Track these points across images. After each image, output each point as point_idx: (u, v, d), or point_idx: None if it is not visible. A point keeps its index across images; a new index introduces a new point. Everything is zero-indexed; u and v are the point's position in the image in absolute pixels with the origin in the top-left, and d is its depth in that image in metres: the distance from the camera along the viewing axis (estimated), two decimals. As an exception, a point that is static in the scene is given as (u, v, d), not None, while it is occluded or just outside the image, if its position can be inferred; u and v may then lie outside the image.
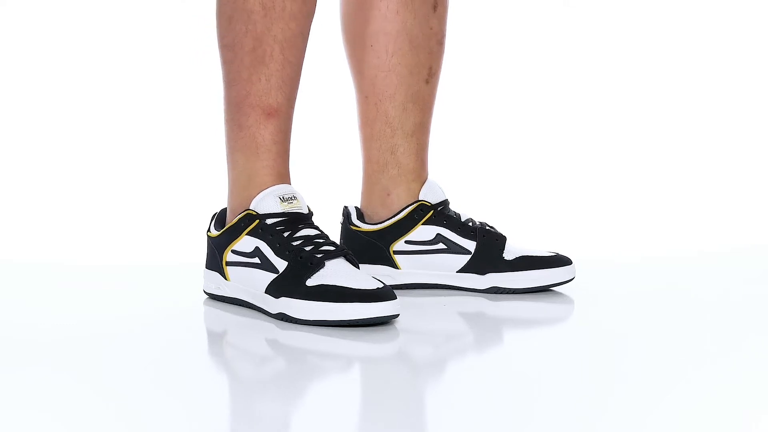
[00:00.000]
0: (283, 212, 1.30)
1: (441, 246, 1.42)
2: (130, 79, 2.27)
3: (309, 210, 1.33)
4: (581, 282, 1.48)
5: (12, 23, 2.26)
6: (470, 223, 1.43)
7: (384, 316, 1.21)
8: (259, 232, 1.30)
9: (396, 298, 1.22)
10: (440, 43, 1.47)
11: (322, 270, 1.24)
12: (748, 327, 1.27)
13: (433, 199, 1.44)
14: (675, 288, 1.54)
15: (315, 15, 1.39)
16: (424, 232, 1.41)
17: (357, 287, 1.21)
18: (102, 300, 1.44)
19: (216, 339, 1.26)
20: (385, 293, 1.21)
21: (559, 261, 1.42)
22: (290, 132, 1.39)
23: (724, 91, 2.36)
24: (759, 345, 1.19)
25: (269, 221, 1.30)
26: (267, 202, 1.31)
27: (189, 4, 2.24)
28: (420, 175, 1.46)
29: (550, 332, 1.24)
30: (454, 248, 1.41)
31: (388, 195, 1.46)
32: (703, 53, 2.36)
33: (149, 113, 2.26)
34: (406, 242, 1.43)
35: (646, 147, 2.32)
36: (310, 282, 1.23)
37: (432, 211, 1.41)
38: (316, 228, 1.31)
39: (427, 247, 1.42)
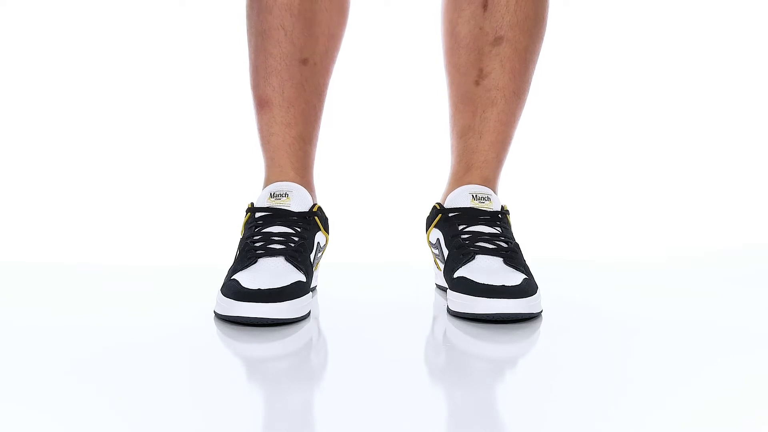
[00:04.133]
0: (268, 207, 1.37)
1: (437, 251, 1.42)
2: (133, 78, 2.26)
3: (310, 209, 1.37)
4: (579, 284, 1.48)
5: (12, 23, 2.26)
6: (465, 236, 1.34)
7: (252, 317, 1.22)
8: (248, 224, 1.37)
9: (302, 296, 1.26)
10: (495, 44, 1.39)
11: (253, 265, 1.28)
12: (746, 328, 1.27)
13: (450, 205, 1.39)
14: (676, 288, 1.54)
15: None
16: (433, 234, 1.41)
17: (251, 287, 1.23)
18: (104, 300, 1.44)
19: (216, 337, 1.26)
20: (264, 295, 1.22)
21: (499, 291, 1.24)
22: (297, 126, 1.42)
23: (723, 93, 2.36)
24: (758, 346, 1.19)
25: (257, 214, 1.37)
26: (261, 196, 1.39)
27: (191, 4, 2.24)
28: (461, 179, 1.42)
29: (547, 333, 1.24)
30: (440, 257, 1.40)
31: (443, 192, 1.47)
32: (702, 53, 2.36)
33: (153, 113, 2.26)
34: (428, 242, 1.43)
35: (644, 148, 2.32)
36: (233, 276, 1.27)
37: (440, 216, 1.40)
38: (288, 226, 1.34)
39: (435, 250, 1.42)
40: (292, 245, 1.31)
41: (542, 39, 1.42)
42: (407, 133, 2.19)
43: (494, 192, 1.42)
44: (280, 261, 1.29)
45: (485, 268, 1.28)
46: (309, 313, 1.29)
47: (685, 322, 1.30)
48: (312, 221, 1.37)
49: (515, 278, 1.26)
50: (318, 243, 1.38)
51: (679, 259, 1.79)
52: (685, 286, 1.56)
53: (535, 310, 1.25)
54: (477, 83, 1.40)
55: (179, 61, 2.27)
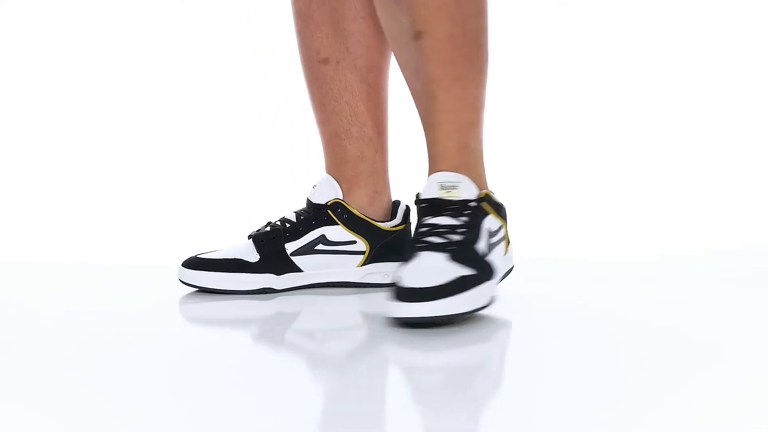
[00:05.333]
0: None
1: None
2: (131, 79, 2.27)
3: (326, 202, 1.47)
4: (575, 282, 1.48)
5: (12, 23, 2.26)
6: (420, 230, 1.32)
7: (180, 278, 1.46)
8: None
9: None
10: (417, 38, 1.32)
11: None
12: (746, 328, 1.28)
13: (422, 196, 1.34)
14: (670, 288, 1.54)
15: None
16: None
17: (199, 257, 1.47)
18: (103, 300, 1.45)
19: (215, 336, 1.27)
20: (192, 263, 1.46)
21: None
22: (331, 123, 1.50)
23: (723, 92, 2.36)
24: (758, 346, 1.19)
25: None
26: None
27: (191, 4, 2.24)
28: (431, 170, 1.36)
29: (548, 332, 1.24)
30: None
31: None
32: (702, 53, 2.36)
33: (153, 114, 2.27)
34: None
35: (642, 147, 2.33)
36: None
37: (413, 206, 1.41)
38: (297, 214, 1.49)
39: None
40: (268, 229, 1.47)
41: (475, 15, 1.33)
42: (403, 131, 2.19)
43: (469, 178, 1.34)
44: (249, 241, 1.47)
45: (416, 267, 1.24)
46: (256, 290, 1.44)
47: (678, 322, 1.30)
48: (323, 213, 1.48)
49: (442, 277, 1.21)
50: (323, 235, 1.48)
51: (672, 259, 1.79)
52: (678, 286, 1.56)
53: (445, 312, 1.20)
54: (417, 77, 1.36)
55: (179, 62, 2.27)
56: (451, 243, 1.26)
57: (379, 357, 1.15)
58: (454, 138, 1.34)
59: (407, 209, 1.54)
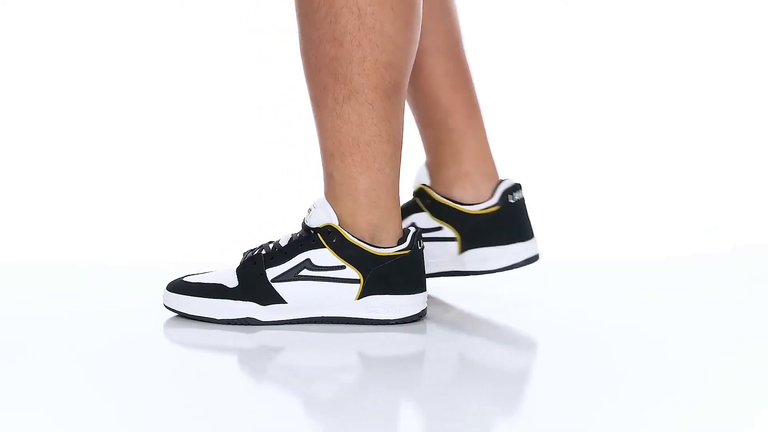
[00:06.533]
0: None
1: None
2: (131, 80, 2.27)
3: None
4: (576, 283, 1.48)
5: (12, 23, 2.26)
6: None
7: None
8: None
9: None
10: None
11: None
12: (749, 328, 1.28)
13: None
14: (674, 288, 1.54)
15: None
16: None
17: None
18: (103, 301, 1.45)
19: (212, 337, 1.27)
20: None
21: None
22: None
23: (723, 92, 2.36)
24: (760, 346, 1.19)
25: None
26: None
27: (189, 5, 2.24)
28: None
29: (548, 333, 1.24)
30: None
31: None
32: (702, 53, 2.36)
33: (153, 114, 2.27)
34: None
35: (643, 147, 2.33)
36: None
37: None
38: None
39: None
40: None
41: (329, 41, 1.26)
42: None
43: (332, 207, 1.31)
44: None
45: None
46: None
47: (681, 324, 1.30)
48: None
49: (205, 278, 1.33)
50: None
51: (673, 259, 1.79)
52: (675, 288, 1.56)
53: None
54: None
55: (179, 62, 2.27)
56: (251, 258, 1.32)
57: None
58: (322, 161, 1.33)
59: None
